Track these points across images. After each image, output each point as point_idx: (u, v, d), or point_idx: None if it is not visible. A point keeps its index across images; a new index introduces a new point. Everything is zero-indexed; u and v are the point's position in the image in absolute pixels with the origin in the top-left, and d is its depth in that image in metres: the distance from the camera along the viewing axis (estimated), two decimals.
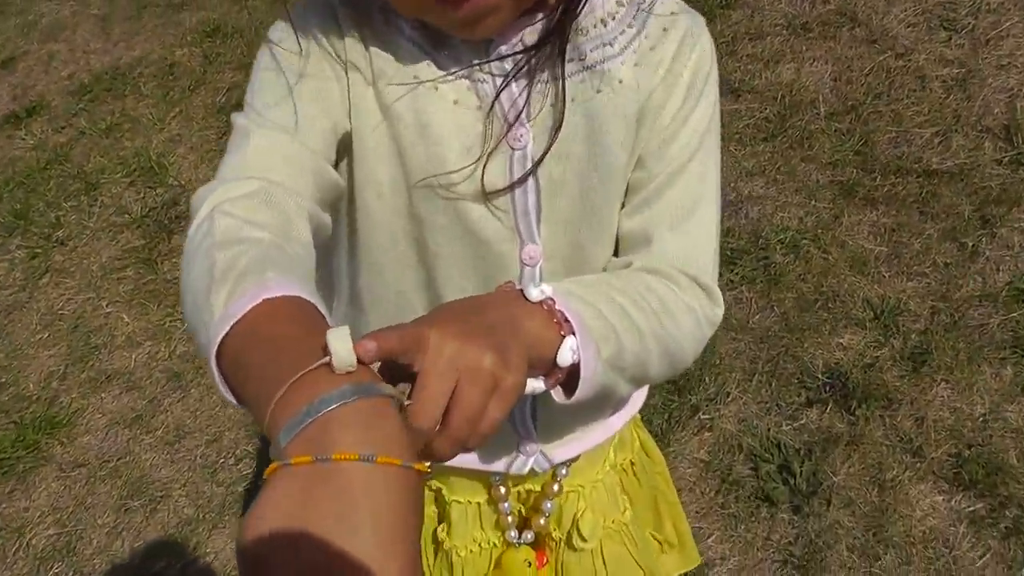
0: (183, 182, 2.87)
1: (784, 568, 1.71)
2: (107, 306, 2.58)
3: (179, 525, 2.06)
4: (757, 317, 2.11)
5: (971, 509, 1.74)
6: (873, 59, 2.70)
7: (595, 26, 0.77)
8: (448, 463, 0.58)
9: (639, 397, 1.03)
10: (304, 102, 0.74)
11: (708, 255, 0.80)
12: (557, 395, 0.70)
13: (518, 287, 0.68)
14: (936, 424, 1.85)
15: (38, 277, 2.73)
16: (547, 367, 0.67)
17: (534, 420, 0.92)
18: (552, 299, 0.67)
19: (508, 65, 0.74)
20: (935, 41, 2.71)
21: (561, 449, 0.95)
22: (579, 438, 0.96)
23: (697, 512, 1.81)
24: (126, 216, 2.82)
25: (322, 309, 0.57)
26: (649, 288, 0.76)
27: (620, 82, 0.77)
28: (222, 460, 2.20)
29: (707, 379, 2.00)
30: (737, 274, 2.20)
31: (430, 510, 1.02)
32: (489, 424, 0.56)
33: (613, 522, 1.03)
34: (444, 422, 0.55)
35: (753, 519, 1.78)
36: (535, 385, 0.67)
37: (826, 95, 2.64)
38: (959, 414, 1.87)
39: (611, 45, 0.78)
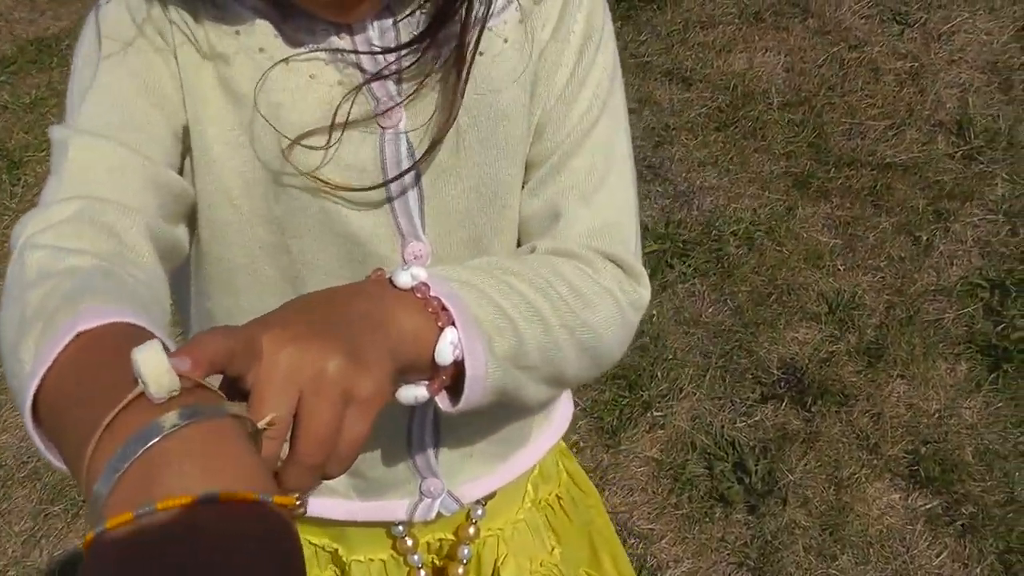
0: None
1: (739, 570, 1.66)
2: None
3: None
4: (711, 310, 2.07)
5: (928, 507, 1.72)
6: (826, 50, 2.68)
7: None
8: (340, 517, 0.48)
9: (561, 421, 0.89)
10: (128, 96, 0.61)
11: (626, 229, 0.72)
12: (443, 403, 0.59)
13: (388, 275, 0.57)
14: (892, 420, 1.83)
15: None
16: (428, 368, 0.56)
17: (435, 451, 0.79)
18: (426, 284, 0.56)
19: (377, 45, 0.63)
20: (888, 34, 2.71)
21: (471, 486, 0.82)
22: (491, 472, 0.83)
23: (650, 513, 1.75)
24: None
25: (162, 334, 0.45)
26: (556, 271, 0.65)
27: (505, 41, 0.67)
28: None
29: (659, 375, 1.95)
30: (689, 266, 2.15)
31: (327, 575, 0.87)
32: (349, 444, 0.45)
33: (541, 564, 0.91)
34: (291, 447, 0.44)
35: (707, 520, 1.73)
36: (416, 393, 0.56)
37: (779, 86, 2.61)
38: (915, 410, 1.85)
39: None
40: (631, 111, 2.53)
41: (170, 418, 0.35)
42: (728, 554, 1.69)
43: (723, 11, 2.90)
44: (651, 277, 1.94)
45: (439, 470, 0.79)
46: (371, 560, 0.85)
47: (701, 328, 2.04)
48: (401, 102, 0.64)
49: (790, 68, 2.67)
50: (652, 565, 1.68)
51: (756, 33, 2.80)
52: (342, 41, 0.63)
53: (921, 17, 2.72)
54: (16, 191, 2.74)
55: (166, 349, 0.38)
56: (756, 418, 1.86)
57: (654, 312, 2.07)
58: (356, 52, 0.63)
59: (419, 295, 0.55)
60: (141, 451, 0.34)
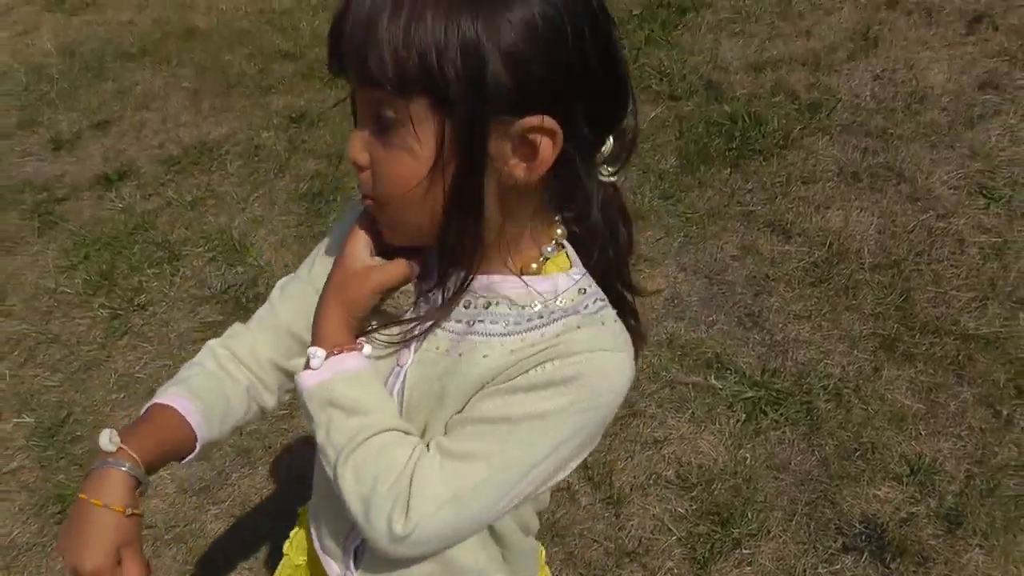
0: (263, 263, 3.05)
1: None
2: None
3: None
4: (799, 459, 2.27)
5: None
6: (916, 217, 2.89)
7: (497, 304, 0.87)
8: None
9: None
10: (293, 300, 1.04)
11: (441, 495, 0.82)
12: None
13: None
14: None
15: (117, 338, 2.90)
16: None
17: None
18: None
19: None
20: (974, 207, 2.91)
21: None
22: None
23: None
24: (206, 290, 3.00)
25: (194, 418, 0.95)
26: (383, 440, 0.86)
27: (484, 357, 0.85)
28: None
29: (749, 515, 2.15)
30: (782, 415, 2.37)
31: None
32: None
33: None
34: None
35: None
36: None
37: (871, 247, 2.83)
38: None
39: (498, 324, 0.86)
40: (735, 257, 2.80)
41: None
42: None
43: (823, 168, 3.15)
44: (746, 422, 2.19)
45: None
46: None
47: (790, 475, 2.25)
48: (415, 351, 0.92)
49: (882, 230, 2.89)
50: None
51: (853, 193, 3.04)
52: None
53: (1007, 194, 2.92)
54: (175, 280, 3.07)
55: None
56: (837, 567, 2.04)
57: (747, 455, 2.29)
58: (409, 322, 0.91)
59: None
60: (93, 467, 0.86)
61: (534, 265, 0.88)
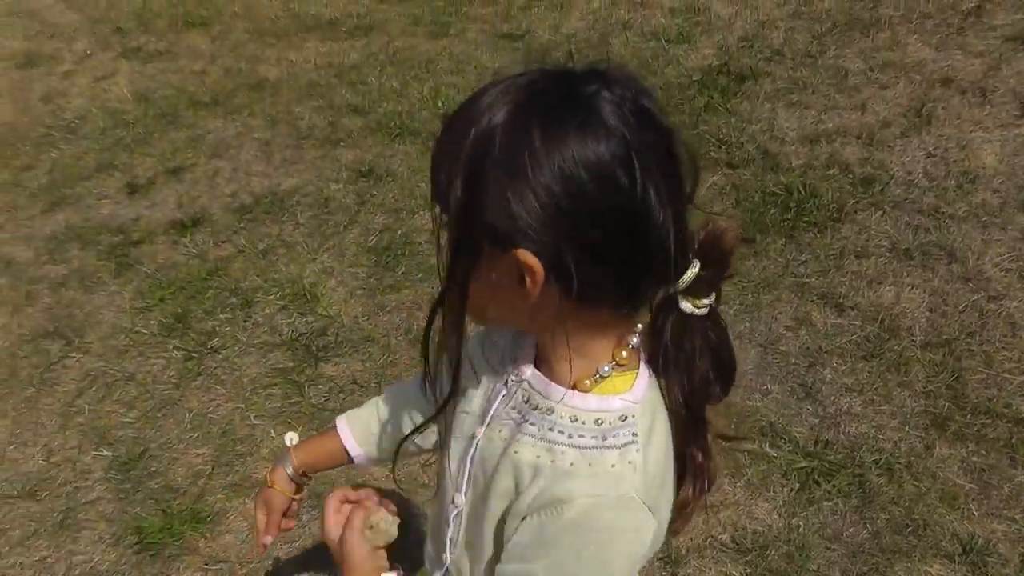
0: (332, 314, 3.19)
1: None
2: (254, 418, 2.86)
3: None
4: (851, 530, 2.34)
5: None
6: (967, 297, 2.97)
7: (541, 408, 0.93)
8: None
9: None
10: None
11: None
12: None
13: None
14: None
15: (191, 379, 3.03)
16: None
17: None
18: None
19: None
20: None
21: None
22: None
23: None
24: (277, 337, 3.13)
25: (349, 442, 1.30)
26: None
27: (516, 452, 0.93)
28: None
29: None
30: (834, 487, 2.44)
31: None
32: None
33: None
34: None
35: None
36: None
37: (922, 324, 2.91)
38: None
39: (535, 426, 0.93)
40: (789, 328, 2.89)
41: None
42: None
43: (876, 243, 3.24)
44: (800, 491, 2.28)
45: None
46: None
47: (842, 545, 2.32)
48: (486, 428, 1.02)
49: (933, 308, 2.96)
50: None
51: (904, 269, 3.12)
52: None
53: None
54: (247, 326, 3.21)
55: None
56: None
57: (801, 524, 2.37)
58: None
59: None
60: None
61: (587, 381, 0.91)
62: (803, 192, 3.50)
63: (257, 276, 3.41)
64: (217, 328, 3.21)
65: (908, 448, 2.52)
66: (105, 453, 2.81)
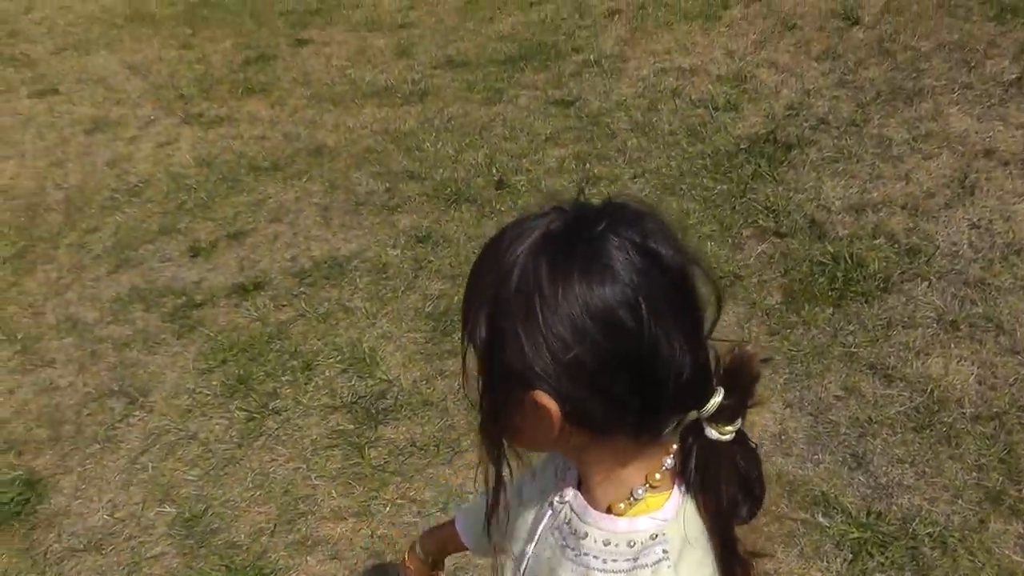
0: (391, 378, 3.28)
1: None
2: (315, 478, 2.94)
3: None
4: None
5: None
6: (1016, 370, 2.99)
7: (578, 532, 0.96)
8: None
9: None
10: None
11: None
12: None
13: None
14: None
15: (253, 439, 3.13)
16: None
17: None
18: None
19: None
20: None
21: None
22: None
23: None
24: (337, 399, 3.23)
25: (463, 540, 1.40)
26: None
27: (551, 570, 0.99)
28: None
29: None
30: (887, 558, 2.47)
31: None
32: None
33: None
34: None
35: None
36: None
37: (971, 397, 2.94)
38: None
39: (570, 547, 0.96)
40: (839, 397, 2.94)
41: None
42: None
43: (923, 314, 3.28)
44: (853, 562, 2.32)
45: None
46: None
47: None
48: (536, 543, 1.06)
49: (983, 381, 2.99)
50: None
51: (952, 341, 3.16)
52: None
53: None
54: (308, 389, 3.31)
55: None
56: None
57: None
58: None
59: None
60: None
61: (622, 505, 0.93)
62: (850, 262, 3.56)
63: (317, 339, 3.52)
64: (278, 390, 3.31)
65: (962, 522, 2.55)
66: (168, 510, 2.91)
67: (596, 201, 0.88)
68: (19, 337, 3.76)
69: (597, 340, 0.80)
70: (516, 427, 0.90)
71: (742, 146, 4.43)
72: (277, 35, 6.89)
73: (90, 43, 7.00)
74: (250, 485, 2.96)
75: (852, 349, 3.18)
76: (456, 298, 3.63)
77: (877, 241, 3.67)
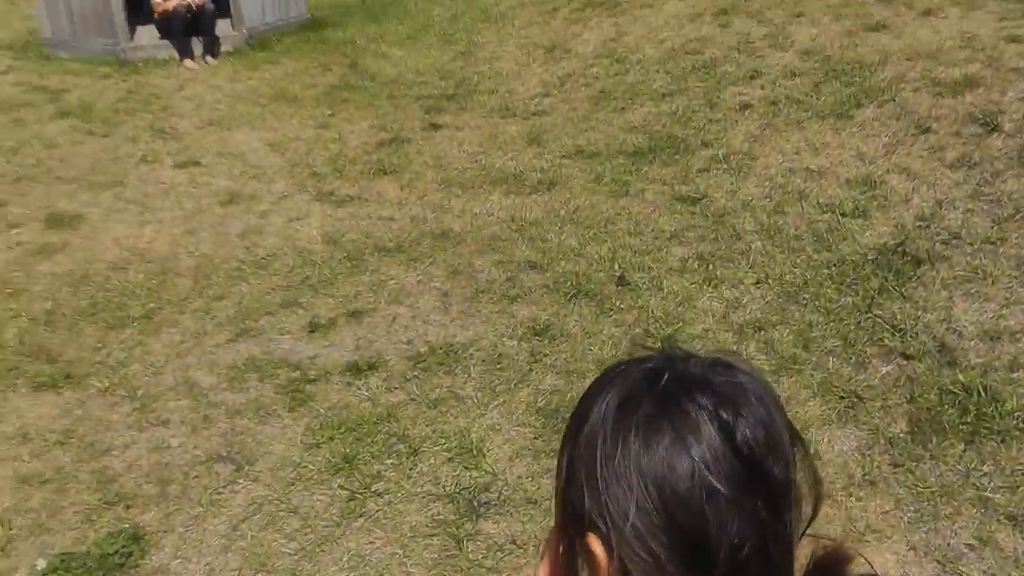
0: (496, 471, 3.24)
1: None
2: (411, 565, 2.90)
3: None
4: None
5: None
6: None
7: None
8: None
9: None
10: None
11: None
12: None
13: None
14: None
15: (353, 519, 3.11)
16: None
17: None
18: None
19: None
20: None
21: None
22: None
23: None
24: (440, 488, 3.20)
25: None
26: None
27: None
28: None
29: None
30: None
31: None
32: None
33: None
34: None
35: None
36: None
37: None
38: None
39: None
40: (971, 547, 2.74)
41: None
42: None
43: None
44: None
45: None
46: None
47: None
48: None
49: None
50: None
51: None
52: None
53: None
54: (412, 474, 3.29)
55: None
56: None
57: None
58: None
59: None
60: None
61: None
62: (983, 394, 3.36)
63: (426, 425, 3.51)
64: (382, 472, 3.30)
65: None
66: None
67: (702, 353, 0.85)
68: (139, 395, 3.87)
69: (647, 508, 0.78)
70: (572, 566, 0.88)
71: (869, 257, 4.29)
72: (413, 119, 7.11)
73: (234, 120, 7.36)
74: (345, 565, 2.93)
75: (987, 493, 2.97)
76: (569, 395, 3.58)
77: (1015, 375, 3.46)
